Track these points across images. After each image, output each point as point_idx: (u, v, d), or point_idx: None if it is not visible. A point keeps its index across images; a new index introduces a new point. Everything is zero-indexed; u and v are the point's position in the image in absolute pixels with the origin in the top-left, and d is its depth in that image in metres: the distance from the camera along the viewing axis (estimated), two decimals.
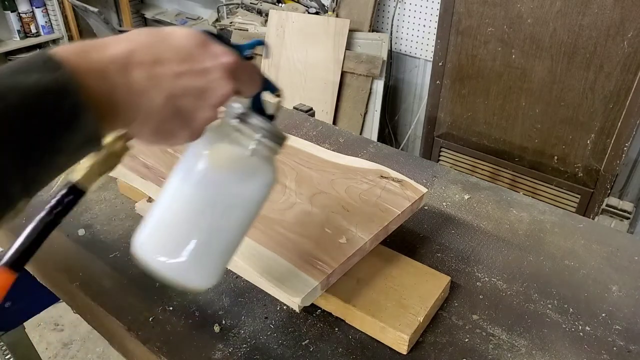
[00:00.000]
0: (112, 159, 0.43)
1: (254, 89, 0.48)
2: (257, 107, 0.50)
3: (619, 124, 1.64)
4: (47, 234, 0.40)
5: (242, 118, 0.47)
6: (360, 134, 2.41)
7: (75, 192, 0.41)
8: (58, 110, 0.32)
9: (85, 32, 3.20)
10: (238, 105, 0.47)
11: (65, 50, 0.34)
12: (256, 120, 0.47)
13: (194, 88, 0.40)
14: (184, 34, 0.41)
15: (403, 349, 0.62)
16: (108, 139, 0.42)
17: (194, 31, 0.42)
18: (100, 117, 0.35)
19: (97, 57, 0.36)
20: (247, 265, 0.63)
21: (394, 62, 2.50)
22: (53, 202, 0.41)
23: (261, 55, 0.55)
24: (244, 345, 0.63)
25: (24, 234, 0.39)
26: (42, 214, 0.40)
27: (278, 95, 0.52)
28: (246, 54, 0.47)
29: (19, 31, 3.02)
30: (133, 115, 0.38)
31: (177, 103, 0.40)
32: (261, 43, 0.51)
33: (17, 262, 0.38)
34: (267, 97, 0.50)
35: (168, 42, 0.40)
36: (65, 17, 3.16)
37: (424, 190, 0.78)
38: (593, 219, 1.77)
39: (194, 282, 0.48)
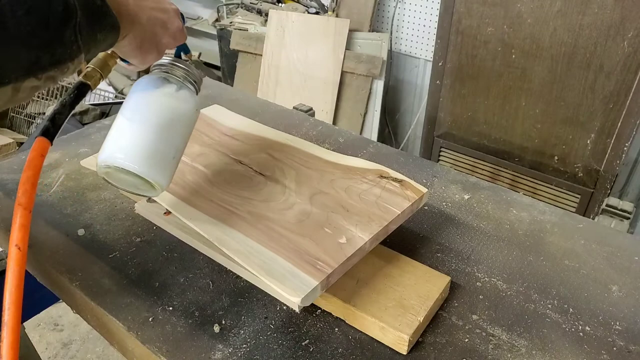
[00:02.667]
0: (106, 67, 0.64)
1: (184, 38, 0.68)
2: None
3: (619, 123, 1.64)
4: (67, 113, 0.58)
5: (172, 64, 0.68)
6: (360, 134, 2.41)
7: (83, 86, 0.61)
8: (95, 2, 0.51)
9: None
10: (168, 58, 0.69)
11: None
12: (183, 64, 0.68)
13: (161, 19, 0.62)
14: None
15: (403, 349, 0.62)
16: (103, 54, 0.64)
17: None
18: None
19: None
20: (247, 265, 0.63)
21: (394, 62, 2.50)
22: (69, 91, 0.59)
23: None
24: (244, 345, 0.63)
25: (49, 114, 0.57)
26: (63, 98, 0.58)
27: (190, 57, 0.75)
28: None
29: None
30: (127, 29, 0.57)
31: (152, 27, 0.61)
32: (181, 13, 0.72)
33: (51, 132, 0.55)
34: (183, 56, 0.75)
35: None
36: None
37: (424, 190, 0.78)
38: (593, 219, 1.77)
39: (155, 178, 0.63)
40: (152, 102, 0.65)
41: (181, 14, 0.70)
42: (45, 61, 0.48)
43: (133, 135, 0.63)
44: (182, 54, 0.74)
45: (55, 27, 0.47)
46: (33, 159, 0.53)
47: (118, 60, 0.66)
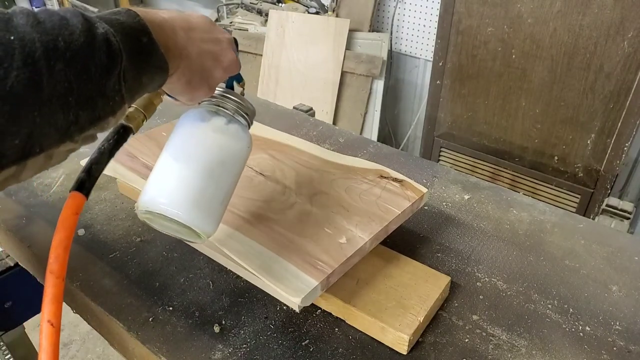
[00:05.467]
0: (151, 107, 0.57)
1: (238, 68, 0.62)
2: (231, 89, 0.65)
3: (619, 124, 1.64)
4: (105, 162, 0.50)
5: (223, 95, 0.61)
6: (360, 134, 2.41)
7: (124, 130, 0.53)
8: (140, 40, 0.44)
9: None
10: (220, 88, 0.62)
11: (134, 8, 0.46)
12: (234, 96, 0.62)
13: (212, 52, 0.55)
14: (200, 14, 0.57)
15: (403, 349, 0.62)
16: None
17: (204, 14, 0.58)
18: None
19: (155, 16, 0.48)
20: (247, 265, 0.63)
21: (394, 62, 2.51)
22: (109, 135, 0.52)
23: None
24: (244, 345, 0.63)
25: (86, 165, 0.49)
26: (101, 144, 0.51)
27: (242, 85, 0.68)
28: None
29: None
30: (176, 65, 0.50)
31: (202, 61, 0.54)
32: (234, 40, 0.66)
33: (86, 186, 0.47)
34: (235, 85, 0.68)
35: (193, 18, 0.55)
36: None
37: (424, 190, 0.78)
38: (593, 219, 1.77)
39: (200, 226, 0.57)
40: (199, 140, 0.58)
41: (235, 41, 0.63)
42: (83, 120, 0.40)
43: (177, 177, 0.56)
44: (234, 83, 0.66)
45: (98, 78, 0.39)
46: (66, 218, 0.44)
47: (164, 97, 0.59)
